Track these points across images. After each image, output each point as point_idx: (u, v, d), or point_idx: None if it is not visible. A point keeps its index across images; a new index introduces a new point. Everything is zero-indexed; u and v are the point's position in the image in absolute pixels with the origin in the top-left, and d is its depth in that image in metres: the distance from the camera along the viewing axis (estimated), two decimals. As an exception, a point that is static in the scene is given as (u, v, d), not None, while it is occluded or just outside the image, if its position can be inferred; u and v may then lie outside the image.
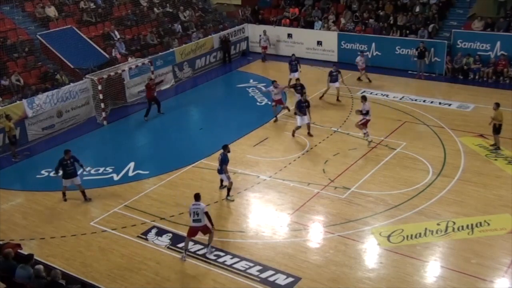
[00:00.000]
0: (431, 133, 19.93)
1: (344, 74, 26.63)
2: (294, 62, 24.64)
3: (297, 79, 22.60)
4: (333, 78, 23.20)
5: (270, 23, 31.19)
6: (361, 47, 27.85)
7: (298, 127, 19.92)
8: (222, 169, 15.97)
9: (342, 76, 23.83)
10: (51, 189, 17.41)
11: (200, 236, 14.36)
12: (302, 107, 19.60)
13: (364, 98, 19.06)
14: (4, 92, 21.37)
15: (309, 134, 19.96)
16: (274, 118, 21.63)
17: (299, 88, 21.42)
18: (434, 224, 14.37)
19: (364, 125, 18.96)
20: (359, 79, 25.80)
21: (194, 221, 13.36)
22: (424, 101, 22.95)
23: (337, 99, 23.36)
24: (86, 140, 21.46)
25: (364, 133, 19.06)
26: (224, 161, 15.85)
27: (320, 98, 23.58)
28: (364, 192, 16.15)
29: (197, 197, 13.52)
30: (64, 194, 16.69)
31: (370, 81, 25.56)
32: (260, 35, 29.94)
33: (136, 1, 29.37)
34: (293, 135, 20.05)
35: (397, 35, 27.45)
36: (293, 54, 25.51)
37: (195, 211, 13.29)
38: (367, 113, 18.79)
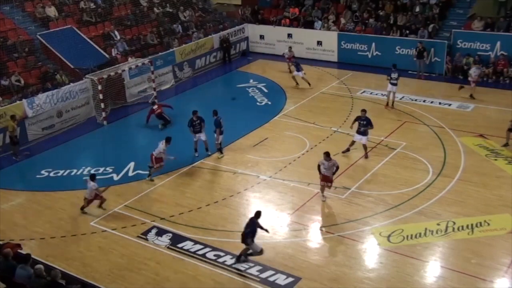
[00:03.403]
0: (431, 133, 19.92)
1: (344, 74, 26.76)
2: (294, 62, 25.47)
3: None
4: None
5: (270, 23, 31.20)
6: (361, 47, 27.86)
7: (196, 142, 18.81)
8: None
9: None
10: (51, 189, 17.45)
11: (202, 236, 14.37)
12: (195, 126, 18.42)
13: (167, 140, 17.35)
14: (4, 92, 21.37)
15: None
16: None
17: (197, 122, 18.53)
18: (434, 224, 14.37)
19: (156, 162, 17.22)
20: (471, 96, 22.91)
21: None
22: (424, 101, 22.95)
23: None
24: (86, 140, 21.45)
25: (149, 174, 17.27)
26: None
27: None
28: (364, 192, 16.16)
29: None
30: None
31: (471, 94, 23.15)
32: (284, 53, 28.04)
33: (136, 1, 29.36)
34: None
35: (397, 35, 27.44)
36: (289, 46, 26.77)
37: None
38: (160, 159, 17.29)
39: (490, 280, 12.39)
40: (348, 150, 18.38)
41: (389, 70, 22.67)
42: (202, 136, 18.72)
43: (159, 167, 17.51)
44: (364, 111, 18.18)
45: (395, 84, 22.01)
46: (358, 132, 18.11)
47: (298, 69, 25.02)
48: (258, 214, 13.29)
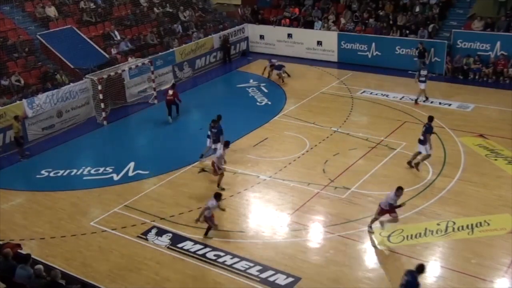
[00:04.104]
0: (431, 133, 19.92)
1: (344, 74, 26.76)
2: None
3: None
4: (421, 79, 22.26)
5: (270, 23, 31.20)
6: (361, 47, 27.86)
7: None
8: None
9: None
10: (51, 189, 17.45)
11: (201, 236, 14.36)
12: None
13: (225, 144, 16.88)
14: (4, 92, 21.37)
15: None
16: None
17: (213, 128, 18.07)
18: (434, 224, 14.36)
19: None
20: None
21: None
22: (424, 101, 22.93)
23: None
24: (86, 140, 21.45)
25: None
26: None
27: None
28: (364, 192, 16.14)
29: None
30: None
31: None
32: (272, 62, 27.23)
33: (136, 1, 29.37)
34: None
35: (397, 35, 27.44)
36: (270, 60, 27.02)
37: None
38: None
39: (490, 280, 12.39)
40: (413, 166, 17.13)
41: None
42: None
43: (221, 174, 16.70)
44: (430, 118, 17.29)
45: (423, 82, 22.28)
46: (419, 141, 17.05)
47: (278, 68, 26.09)
48: (422, 268, 10.88)
